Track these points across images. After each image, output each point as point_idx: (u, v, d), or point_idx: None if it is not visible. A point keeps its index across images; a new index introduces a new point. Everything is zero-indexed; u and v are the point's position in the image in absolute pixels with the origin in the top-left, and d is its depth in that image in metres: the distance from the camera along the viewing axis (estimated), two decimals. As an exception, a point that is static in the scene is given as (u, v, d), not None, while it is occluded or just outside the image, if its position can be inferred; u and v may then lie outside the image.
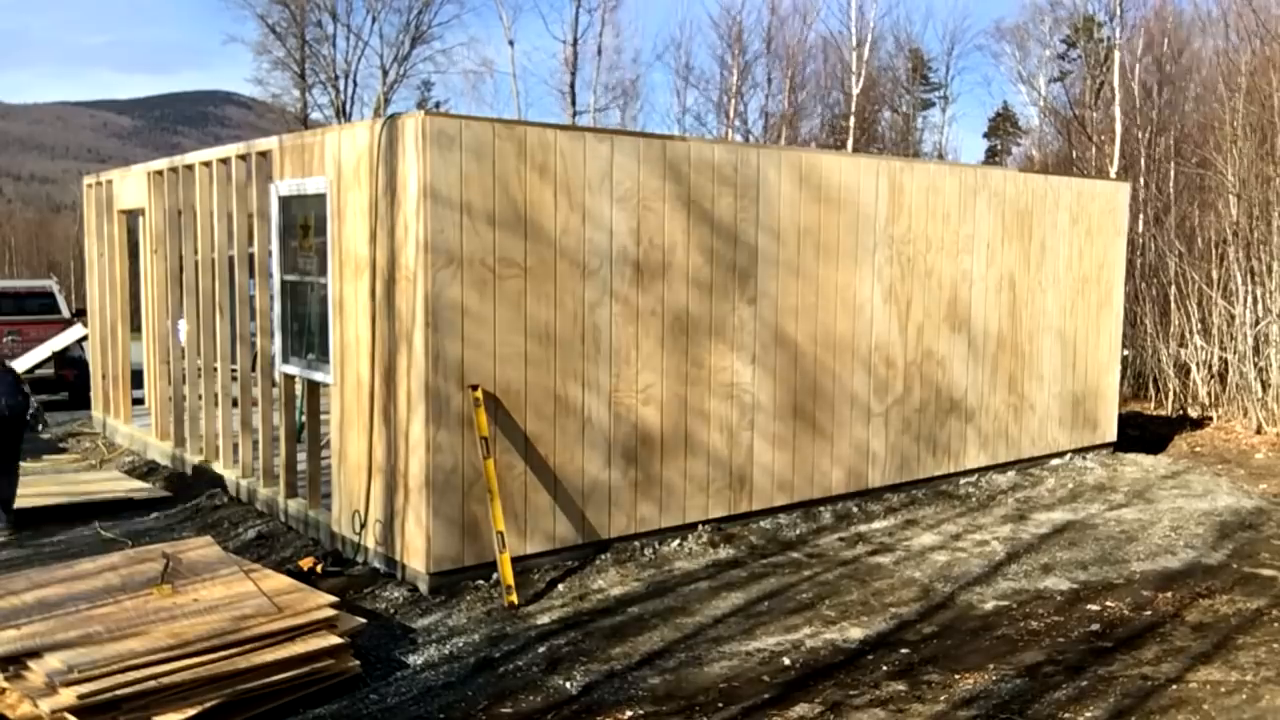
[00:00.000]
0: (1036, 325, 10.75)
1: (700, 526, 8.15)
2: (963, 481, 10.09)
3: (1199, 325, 15.36)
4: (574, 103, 32.13)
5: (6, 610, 5.68)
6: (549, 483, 7.33)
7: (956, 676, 5.71)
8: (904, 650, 6.10)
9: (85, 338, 14.07)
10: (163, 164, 10.53)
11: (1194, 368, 15.24)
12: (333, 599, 6.02)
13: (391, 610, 6.66)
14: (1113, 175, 19.79)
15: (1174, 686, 5.55)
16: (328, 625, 5.70)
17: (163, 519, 8.99)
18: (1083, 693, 5.49)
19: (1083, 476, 10.57)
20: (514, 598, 6.70)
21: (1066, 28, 32.82)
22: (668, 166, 7.78)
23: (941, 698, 5.43)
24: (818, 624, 6.49)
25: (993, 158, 43.31)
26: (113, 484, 10.22)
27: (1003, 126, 43.76)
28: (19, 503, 8.98)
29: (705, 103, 40.10)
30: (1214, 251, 15.60)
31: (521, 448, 7.17)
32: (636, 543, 7.79)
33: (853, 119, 30.94)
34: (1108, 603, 6.92)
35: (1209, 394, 14.99)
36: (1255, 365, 14.19)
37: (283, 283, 8.32)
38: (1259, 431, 13.55)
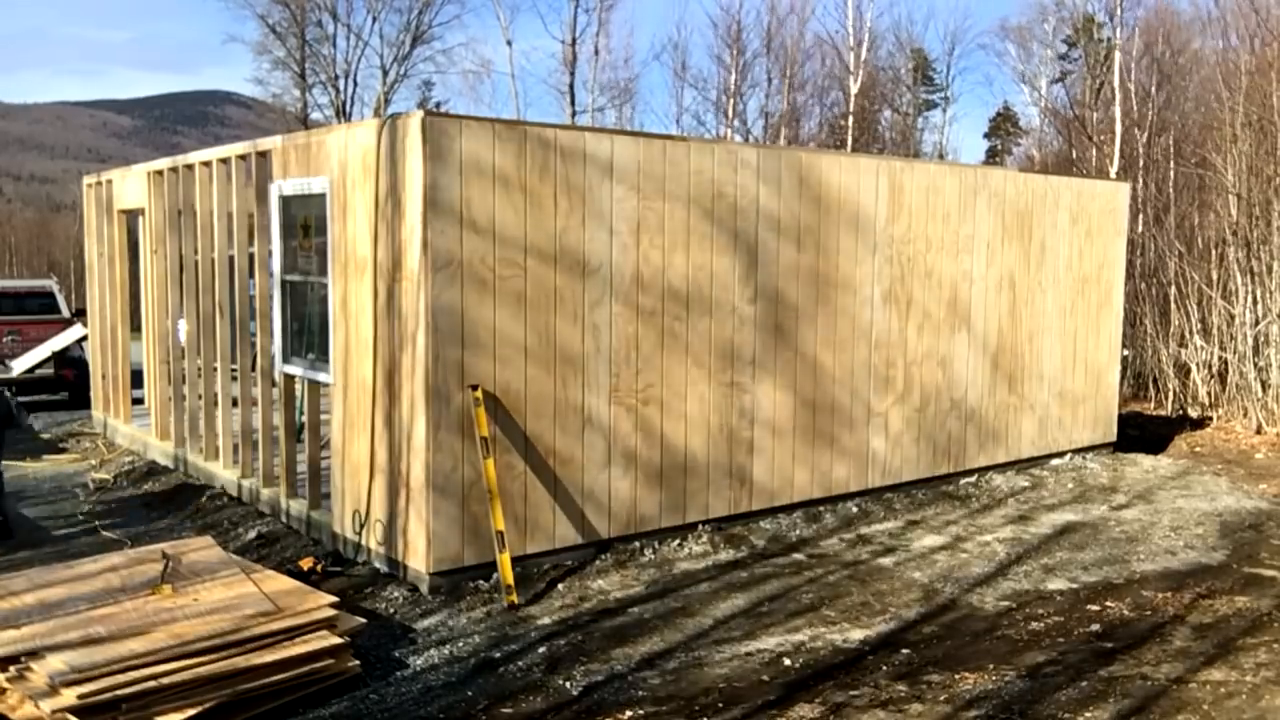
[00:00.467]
0: (1036, 325, 10.75)
1: (701, 526, 8.15)
2: (963, 482, 10.09)
3: (1199, 325, 15.36)
4: (573, 102, 32.14)
5: (7, 610, 5.68)
6: (549, 483, 7.33)
7: (958, 677, 5.70)
8: (905, 651, 6.10)
9: (85, 338, 14.08)
10: (163, 164, 10.53)
11: (1194, 368, 15.24)
12: (333, 599, 6.02)
13: (392, 610, 6.66)
14: (1113, 175, 19.80)
15: (1176, 688, 5.55)
16: (328, 625, 5.70)
17: (163, 519, 8.99)
18: (1084, 694, 5.49)
19: (1083, 477, 10.57)
20: (514, 598, 6.70)
21: (1067, 28, 32.85)
22: (668, 166, 7.78)
23: (942, 698, 5.42)
24: (819, 625, 6.49)
25: (993, 158, 43.32)
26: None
27: (1003, 127, 43.78)
28: None
29: (704, 103, 40.16)
30: (1214, 251, 15.60)
31: (521, 448, 7.17)
32: (637, 543, 7.79)
33: (851, 119, 30.94)
34: (1109, 604, 6.92)
35: (1209, 394, 14.99)
36: (1255, 365, 14.19)
37: (283, 283, 8.32)
38: (1259, 431, 13.55)
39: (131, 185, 11.40)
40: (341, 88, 36.92)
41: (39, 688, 4.95)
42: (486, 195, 6.89)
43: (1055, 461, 11.04)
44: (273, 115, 38.97)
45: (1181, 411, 15.19)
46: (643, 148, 7.68)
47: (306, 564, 7.30)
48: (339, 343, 7.60)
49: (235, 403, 9.59)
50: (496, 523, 6.82)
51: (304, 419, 8.90)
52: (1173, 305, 16.01)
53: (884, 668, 5.83)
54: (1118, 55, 22.69)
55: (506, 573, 6.77)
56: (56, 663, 4.98)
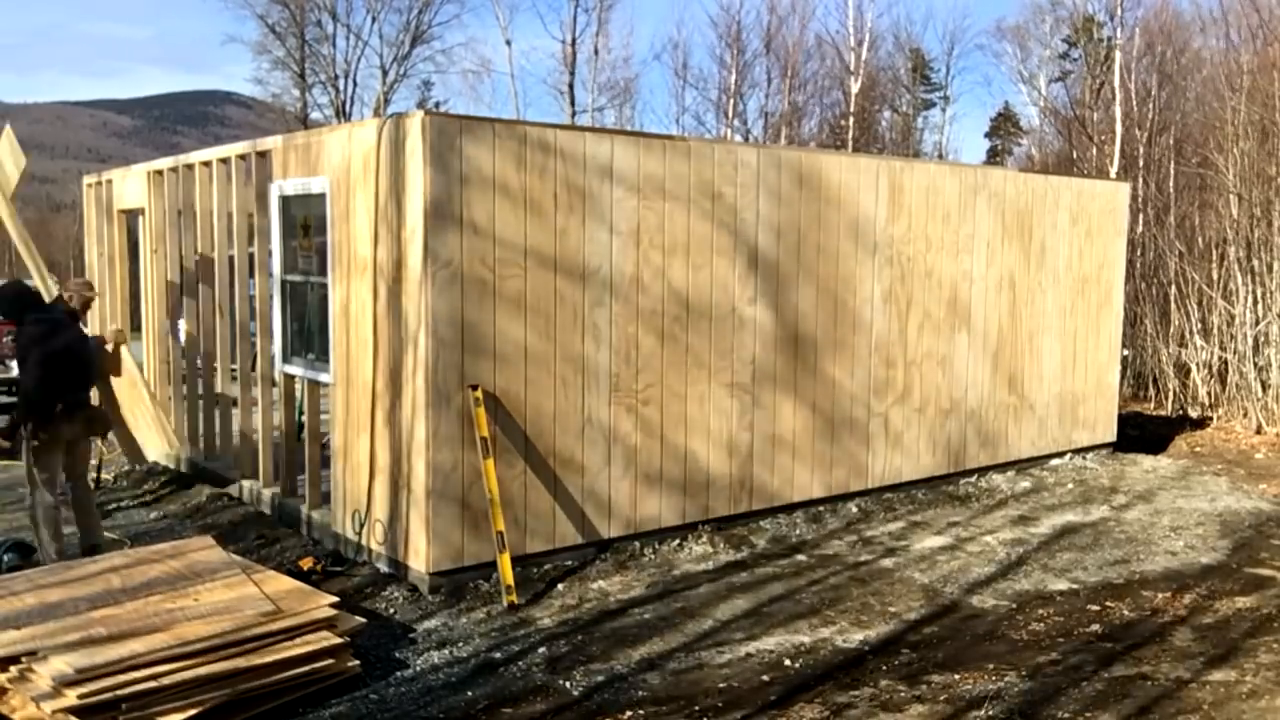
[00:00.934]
0: (1036, 325, 10.75)
1: (701, 527, 8.15)
2: (963, 482, 10.09)
3: (1199, 325, 15.36)
4: (573, 102, 32.16)
5: (7, 611, 5.68)
6: (549, 483, 7.33)
7: (959, 679, 5.70)
8: (907, 652, 6.09)
9: (85, 338, 14.06)
10: (163, 164, 10.53)
11: (1194, 368, 15.24)
12: (333, 599, 6.02)
13: (392, 610, 6.66)
14: (1113, 175, 19.80)
15: (1178, 689, 5.55)
16: (328, 625, 5.70)
17: (164, 519, 8.99)
18: (1086, 695, 5.48)
19: (1083, 477, 10.56)
20: (514, 598, 6.70)
21: (1067, 27, 32.84)
22: (668, 166, 7.78)
23: (942, 698, 5.42)
24: (820, 626, 6.49)
25: (993, 158, 43.33)
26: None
27: (1003, 126, 43.79)
28: None
29: (704, 102, 40.15)
30: (1214, 251, 15.60)
31: (522, 448, 7.17)
32: (637, 543, 7.78)
33: (852, 119, 30.95)
34: (1110, 604, 6.91)
35: (1209, 394, 14.99)
36: (1255, 365, 14.18)
37: (283, 282, 8.32)
38: (1259, 432, 13.55)
39: (131, 185, 11.39)
40: (341, 88, 36.94)
41: (41, 689, 4.94)
42: (487, 195, 6.89)
43: (1055, 462, 11.04)
44: (273, 115, 38.98)
45: (1181, 411, 15.19)
46: (643, 148, 7.68)
47: (306, 564, 7.30)
48: (339, 343, 7.60)
49: (235, 402, 9.59)
50: (496, 523, 6.82)
51: (304, 419, 8.90)
52: (1173, 305, 16.00)
53: (885, 669, 5.83)
54: (1118, 55, 22.69)
55: (507, 573, 6.77)
56: (58, 663, 4.98)
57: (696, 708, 5.33)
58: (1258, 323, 14.41)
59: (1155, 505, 9.52)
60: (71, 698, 4.79)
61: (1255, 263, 14.57)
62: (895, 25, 40.64)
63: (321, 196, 7.63)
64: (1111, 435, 11.80)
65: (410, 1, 37.07)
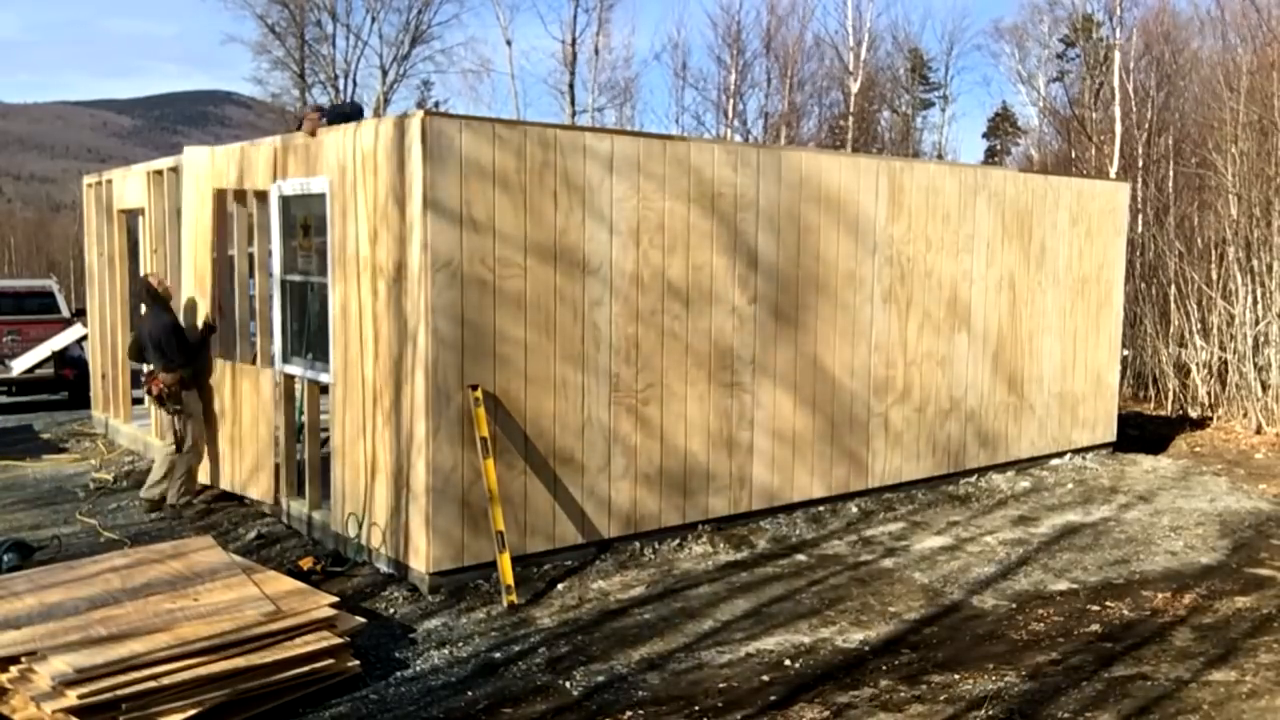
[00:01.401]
0: (1036, 325, 10.75)
1: (701, 526, 8.15)
2: (963, 482, 10.09)
3: (1199, 325, 15.37)
4: (573, 102, 32.15)
5: (8, 611, 5.68)
6: (549, 483, 7.33)
7: (960, 679, 5.70)
8: (907, 652, 6.09)
9: (85, 337, 14.07)
10: (163, 164, 10.53)
11: (1194, 368, 15.24)
12: (333, 599, 6.02)
13: (392, 610, 6.66)
14: (1112, 175, 19.80)
15: (1178, 689, 5.55)
16: (328, 625, 5.70)
17: (164, 519, 8.98)
18: (1086, 695, 5.48)
19: (1083, 477, 10.57)
20: (514, 598, 6.70)
21: (1065, 27, 32.85)
22: (668, 166, 7.78)
23: (942, 698, 5.42)
24: (821, 626, 6.49)
25: (992, 158, 43.33)
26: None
27: (1002, 126, 43.79)
28: None
29: (704, 102, 40.16)
30: (1214, 251, 15.60)
31: (521, 448, 7.17)
32: (637, 543, 7.78)
33: (851, 119, 30.95)
34: (1110, 604, 6.91)
35: (1209, 394, 14.99)
36: (1255, 365, 14.19)
37: (283, 282, 8.32)
38: (1259, 432, 13.56)
39: (131, 185, 11.39)
40: (341, 87, 36.91)
41: (41, 689, 4.94)
42: (486, 195, 6.89)
43: (1055, 462, 11.04)
44: (273, 115, 38.95)
45: (1181, 411, 15.20)
46: (642, 147, 7.68)
47: (306, 563, 7.30)
48: (339, 343, 7.60)
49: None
50: (496, 523, 6.82)
51: (304, 419, 8.90)
52: (1173, 305, 16.01)
53: (886, 669, 5.83)
54: (1117, 55, 22.69)
55: (507, 573, 6.77)
56: (58, 664, 4.98)
57: (697, 708, 5.33)
58: (1257, 323, 14.42)
59: (1155, 505, 9.52)
60: (71, 698, 4.79)
61: (1255, 263, 14.57)
62: (894, 25, 40.74)
63: (321, 196, 7.63)
64: (1111, 435, 11.80)
65: (410, 1, 37.07)
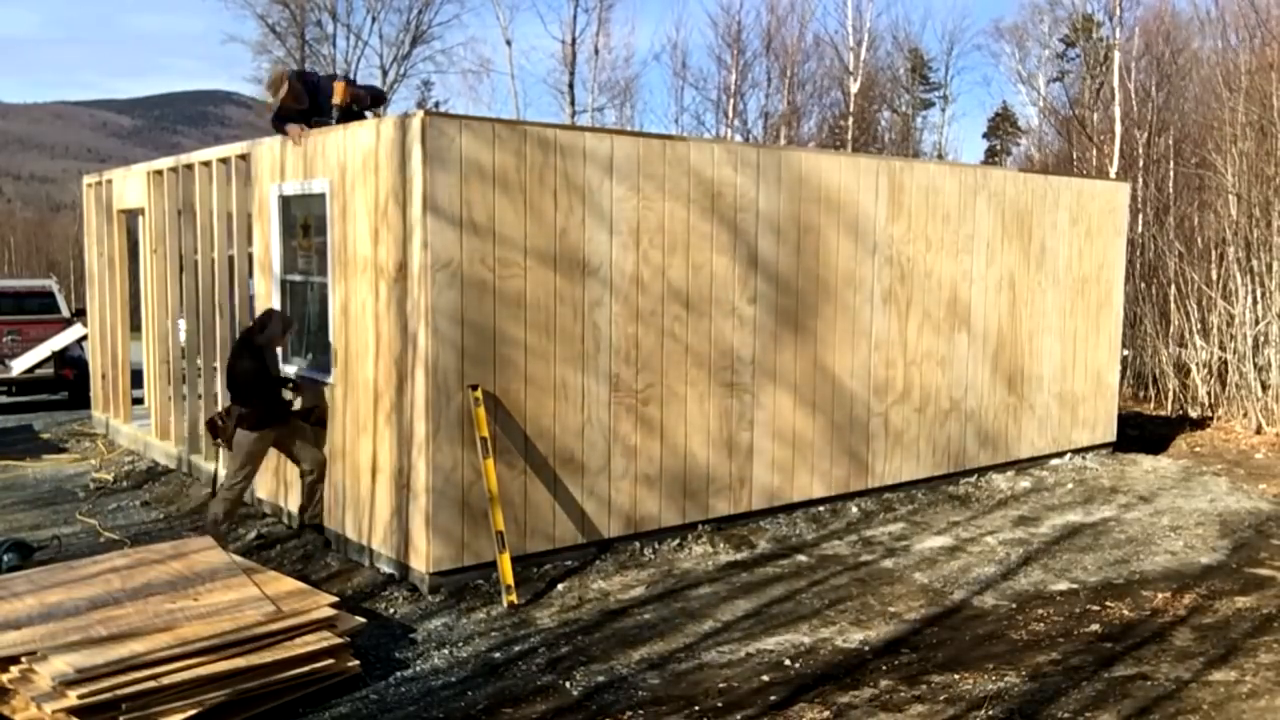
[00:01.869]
0: (1036, 325, 10.75)
1: (701, 526, 8.15)
2: (963, 482, 10.09)
3: (1199, 325, 15.37)
4: (573, 102, 32.13)
5: (8, 611, 5.68)
6: (549, 483, 7.33)
7: (960, 679, 5.70)
8: (908, 653, 6.09)
9: (85, 337, 14.07)
10: (163, 164, 10.53)
11: (1194, 368, 15.25)
12: (333, 599, 6.02)
13: (392, 610, 6.66)
14: (1112, 175, 19.80)
15: (1179, 689, 5.55)
16: (328, 625, 5.70)
17: (163, 519, 8.99)
18: (1087, 695, 5.48)
19: (1083, 477, 10.57)
20: (514, 598, 6.70)
21: (1065, 27, 32.86)
22: (667, 166, 7.78)
23: (942, 697, 5.42)
24: (821, 626, 6.49)
25: (992, 158, 43.34)
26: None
27: (1002, 126, 43.79)
28: None
29: (704, 102, 40.16)
30: (1214, 251, 15.61)
31: (521, 448, 7.17)
32: (637, 543, 7.78)
33: (851, 119, 30.96)
34: (1111, 605, 6.91)
35: (1209, 394, 14.99)
36: (1255, 365, 14.19)
37: (283, 282, 8.32)
38: (1259, 432, 13.56)
39: (131, 185, 11.40)
40: (341, 88, 36.83)
41: (42, 689, 4.95)
42: (486, 195, 6.89)
43: (1055, 462, 11.04)
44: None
45: (1181, 411, 15.20)
46: (642, 147, 7.68)
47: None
48: (339, 343, 7.60)
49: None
50: (496, 523, 6.82)
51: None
52: (1173, 305, 16.01)
53: (886, 669, 5.83)
54: (1117, 55, 22.69)
55: (507, 573, 6.77)
56: (59, 664, 4.98)
57: (697, 708, 5.33)
58: (1257, 323, 14.42)
59: (1155, 505, 9.52)
60: (72, 698, 4.79)
61: (1254, 263, 14.57)
62: (894, 25, 40.70)
63: (321, 197, 7.64)
64: (1111, 435, 11.80)
65: (410, 1, 37.06)
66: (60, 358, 15.04)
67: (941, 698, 5.43)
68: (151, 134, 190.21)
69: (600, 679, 5.67)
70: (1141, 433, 13.35)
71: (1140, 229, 17.71)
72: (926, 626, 6.49)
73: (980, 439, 10.29)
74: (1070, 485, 10.25)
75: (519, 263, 7.07)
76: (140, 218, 11.24)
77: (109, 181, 12.09)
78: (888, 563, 7.75)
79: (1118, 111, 21.11)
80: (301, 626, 5.61)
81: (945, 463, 9.99)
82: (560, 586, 7.06)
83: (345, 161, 7.37)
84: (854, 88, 31.17)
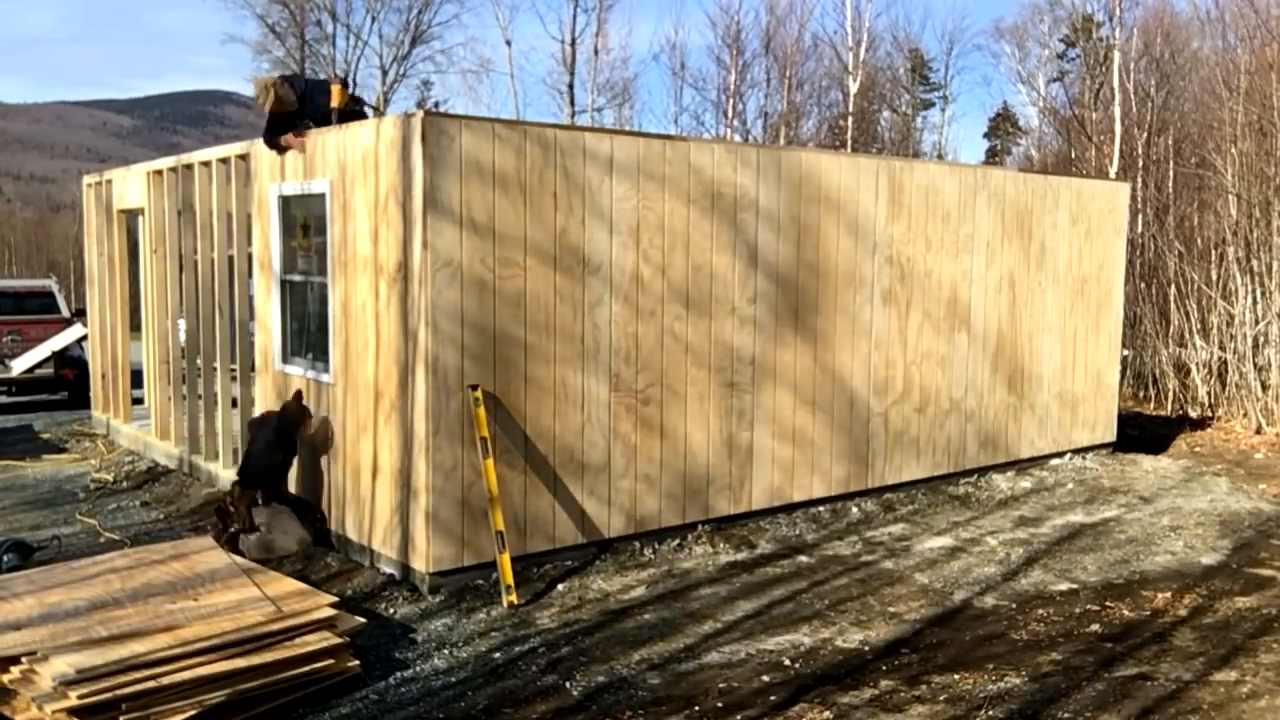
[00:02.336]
0: (1036, 325, 10.75)
1: (701, 527, 8.15)
2: (963, 482, 10.09)
3: (1198, 325, 15.37)
4: (572, 102, 32.15)
5: (8, 611, 5.67)
6: (549, 483, 7.33)
7: (961, 679, 5.70)
8: (908, 653, 6.09)
9: (85, 337, 14.07)
10: (163, 164, 10.53)
11: (1193, 368, 15.25)
12: (333, 599, 6.02)
13: (392, 610, 6.66)
14: (1112, 175, 19.80)
15: (1180, 690, 5.55)
16: (328, 625, 5.70)
17: (164, 519, 8.98)
18: (1088, 696, 5.48)
19: (1083, 477, 10.56)
20: (514, 598, 6.70)
21: (1065, 27, 32.87)
22: (667, 166, 7.78)
23: (942, 697, 5.42)
24: (821, 627, 6.49)
25: (992, 158, 43.34)
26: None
27: (1002, 126, 43.80)
28: None
29: (703, 102, 40.18)
30: (1214, 251, 15.61)
31: (521, 448, 7.17)
32: (637, 542, 7.78)
33: (850, 119, 30.96)
34: (1111, 605, 6.91)
35: (1209, 394, 14.99)
36: (1255, 365, 14.19)
37: (283, 282, 8.32)
38: (1259, 432, 13.55)
39: (131, 185, 11.39)
40: (341, 88, 36.84)
41: (42, 689, 4.94)
42: (486, 195, 6.89)
43: (1055, 462, 11.04)
44: (272, 115, 38.86)
45: (1181, 411, 15.19)
46: (642, 147, 7.67)
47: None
48: (339, 343, 7.59)
49: (235, 402, 9.59)
50: (496, 523, 6.82)
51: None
52: (1173, 305, 16.01)
53: (887, 670, 5.83)
54: (1116, 55, 22.69)
55: (506, 573, 6.77)
56: (60, 664, 4.98)
57: (698, 709, 5.33)
58: (1257, 323, 14.42)
59: (1156, 505, 9.51)
60: (72, 698, 4.79)
61: (1254, 263, 14.57)
62: (894, 25, 40.74)
63: (321, 196, 7.63)
64: (1111, 435, 11.80)
65: (410, 1, 37.08)
66: (60, 358, 15.03)
67: (942, 698, 5.43)
68: (151, 134, 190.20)
69: (601, 679, 5.66)
70: (1141, 433, 13.34)
71: (1140, 229, 17.71)
72: (928, 627, 6.49)
73: (980, 439, 10.29)
74: (1070, 485, 10.24)
75: (519, 262, 7.07)
76: (140, 218, 11.23)
77: (109, 181, 12.08)
78: (889, 563, 7.74)
79: (1117, 111, 21.11)
80: (301, 627, 5.61)
81: (945, 463, 9.98)
82: (560, 587, 7.05)
83: (345, 161, 7.36)
84: (854, 88, 31.18)
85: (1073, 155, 23.94)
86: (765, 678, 5.70)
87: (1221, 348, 14.89)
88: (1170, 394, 15.59)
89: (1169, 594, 7.10)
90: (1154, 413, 15.35)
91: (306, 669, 5.41)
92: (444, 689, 5.57)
